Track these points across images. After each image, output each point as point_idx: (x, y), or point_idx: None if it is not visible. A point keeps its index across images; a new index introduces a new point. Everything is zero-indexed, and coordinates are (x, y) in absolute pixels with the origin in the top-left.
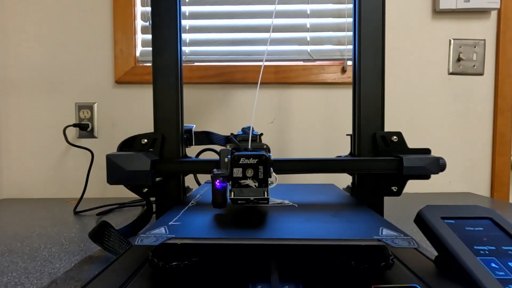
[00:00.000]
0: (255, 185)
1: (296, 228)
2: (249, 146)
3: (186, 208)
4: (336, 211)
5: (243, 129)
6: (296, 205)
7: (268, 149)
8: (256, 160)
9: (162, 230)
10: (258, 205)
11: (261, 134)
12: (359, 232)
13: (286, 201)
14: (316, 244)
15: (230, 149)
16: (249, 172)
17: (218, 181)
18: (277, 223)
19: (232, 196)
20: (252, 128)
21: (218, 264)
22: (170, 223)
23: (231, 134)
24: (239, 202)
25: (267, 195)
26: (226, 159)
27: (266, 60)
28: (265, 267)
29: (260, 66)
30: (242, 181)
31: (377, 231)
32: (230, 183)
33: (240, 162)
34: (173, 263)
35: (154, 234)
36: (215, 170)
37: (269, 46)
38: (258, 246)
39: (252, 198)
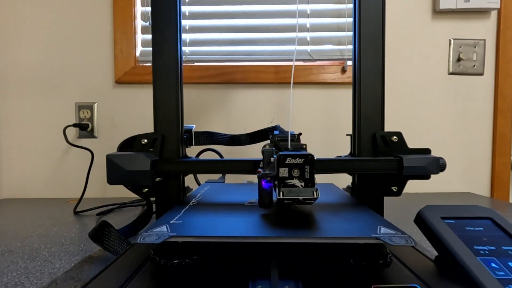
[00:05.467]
0: (301, 185)
1: (296, 226)
2: (289, 146)
3: (187, 207)
4: (335, 211)
5: (277, 128)
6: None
7: (306, 149)
8: (303, 160)
9: (163, 228)
10: (302, 205)
11: (300, 133)
12: (357, 230)
13: None
14: (315, 242)
15: (273, 148)
16: (295, 172)
17: (264, 181)
18: (277, 222)
19: (281, 196)
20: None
21: (219, 262)
22: (171, 222)
23: (270, 133)
24: (285, 202)
25: (317, 195)
26: (272, 159)
27: (265, 60)
28: (265, 265)
29: (261, 65)
30: (288, 181)
31: (375, 229)
32: (276, 183)
33: (287, 162)
34: (175, 261)
35: (155, 232)
36: (260, 170)
37: (268, 47)
38: (258, 245)
39: (301, 198)
